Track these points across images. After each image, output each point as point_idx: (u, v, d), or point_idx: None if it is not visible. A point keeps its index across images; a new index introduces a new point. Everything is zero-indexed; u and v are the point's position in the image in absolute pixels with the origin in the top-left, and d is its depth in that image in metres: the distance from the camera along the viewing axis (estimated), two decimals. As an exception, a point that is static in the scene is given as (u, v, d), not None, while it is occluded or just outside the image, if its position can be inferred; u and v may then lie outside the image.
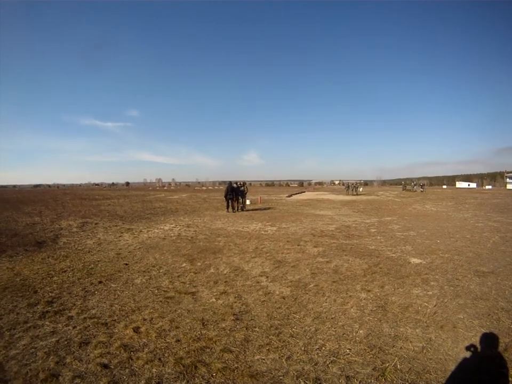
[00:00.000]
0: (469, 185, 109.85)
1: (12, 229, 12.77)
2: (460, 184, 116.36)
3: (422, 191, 50.87)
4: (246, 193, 22.53)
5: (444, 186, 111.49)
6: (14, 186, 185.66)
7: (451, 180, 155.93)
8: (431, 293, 5.74)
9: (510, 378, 3.34)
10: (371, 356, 3.73)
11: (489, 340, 4.05)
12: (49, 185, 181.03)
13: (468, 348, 3.84)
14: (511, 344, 3.95)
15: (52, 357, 3.74)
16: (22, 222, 14.37)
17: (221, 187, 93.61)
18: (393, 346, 3.94)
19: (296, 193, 49.74)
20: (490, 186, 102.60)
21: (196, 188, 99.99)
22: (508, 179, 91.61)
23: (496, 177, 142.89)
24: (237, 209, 20.92)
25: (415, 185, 59.37)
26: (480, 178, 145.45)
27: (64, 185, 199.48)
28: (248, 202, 22.28)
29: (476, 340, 4.06)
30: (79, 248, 9.88)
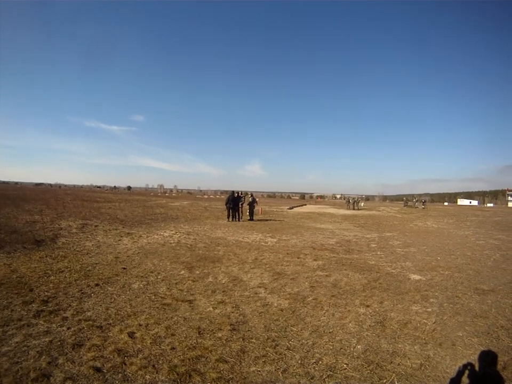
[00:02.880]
0: (470, 202, 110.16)
1: (11, 225, 12.73)
2: (462, 201, 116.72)
3: (423, 208, 50.65)
4: (255, 204, 22.75)
5: (446, 203, 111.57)
6: (16, 183, 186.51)
7: (453, 197, 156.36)
8: (430, 309, 5.69)
9: None
10: (368, 371, 3.68)
11: (488, 358, 3.99)
12: (51, 185, 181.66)
13: (466, 366, 3.78)
14: (510, 363, 3.90)
15: (44, 357, 3.72)
16: (22, 220, 14.32)
17: (222, 196, 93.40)
18: (391, 362, 3.89)
19: (297, 206, 49.57)
20: (491, 204, 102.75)
21: (197, 196, 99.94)
22: (509, 197, 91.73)
23: (497, 195, 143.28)
24: (237, 219, 20.97)
25: (416, 201, 59.23)
26: (482, 195, 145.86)
27: (66, 185, 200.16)
28: (248, 213, 22.37)
29: (474, 358, 4.01)
30: (77, 249, 9.86)
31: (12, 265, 7.62)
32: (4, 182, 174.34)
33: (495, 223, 24.83)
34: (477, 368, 3.81)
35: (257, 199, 23.18)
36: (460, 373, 3.63)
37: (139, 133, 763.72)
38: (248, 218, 21.95)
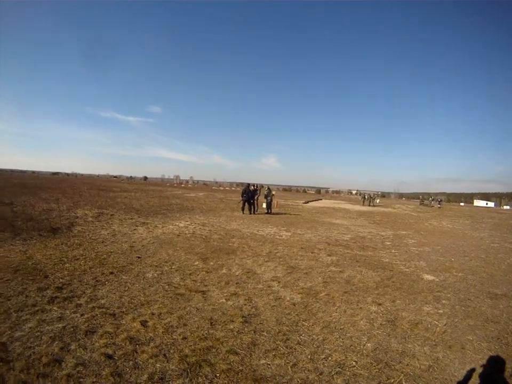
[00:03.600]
0: (486, 204, 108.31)
1: (28, 213, 12.95)
2: (478, 203, 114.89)
3: (439, 207, 50.02)
4: (272, 197, 22.68)
5: (462, 204, 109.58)
6: (33, 172, 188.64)
7: (469, 198, 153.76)
8: (442, 311, 5.64)
9: None
10: (377, 370, 3.67)
11: (496, 363, 3.96)
12: (67, 174, 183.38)
13: (474, 370, 3.76)
14: (519, 370, 3.85)
15: (56, 342, 3.79)
16: (38, 208, 14.53)
17: (238, 188, 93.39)
18: (400, 362, 3.88)
19: (313, 200, 49.30)
20: (508, 207, 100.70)
21: (213, 188, 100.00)
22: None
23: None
24: (253, 212, 20.93)
25: (432, 200, 58.51)
26: (498, 197, 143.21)
27: (82, 174, 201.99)
28: (264, 205, 22.30)
29: (483, 363, 3.98)
30: (93, 237, 10.00)
31: (27, 252, 7.76)
32: (21, 171, 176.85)
33: (511, 226, 24.39)
34: (484, 373, 3.78)
35: (273, 192, 23.07)
36: (467, 378, 3.61)
37: (156, 124, 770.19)
38: (266, 211, 21.91)
